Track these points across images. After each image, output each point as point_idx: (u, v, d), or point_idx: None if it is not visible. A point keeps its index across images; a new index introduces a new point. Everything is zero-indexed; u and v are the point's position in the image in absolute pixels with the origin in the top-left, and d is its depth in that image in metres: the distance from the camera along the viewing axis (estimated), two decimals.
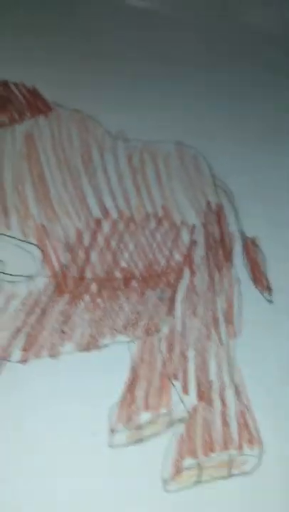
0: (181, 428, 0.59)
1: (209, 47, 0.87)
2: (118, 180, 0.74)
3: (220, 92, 0.84)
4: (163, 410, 0.59)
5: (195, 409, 0.60)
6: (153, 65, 0.84)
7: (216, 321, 0.65)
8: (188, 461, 0.57)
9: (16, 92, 0.78)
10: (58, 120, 0.77)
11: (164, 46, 0.86)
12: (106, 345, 0.61)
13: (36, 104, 0.77)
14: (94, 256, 0.67)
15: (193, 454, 0.57)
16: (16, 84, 0.78)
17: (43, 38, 0.82)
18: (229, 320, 0.65)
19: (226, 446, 0.58)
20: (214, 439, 0.59)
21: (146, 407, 0.59)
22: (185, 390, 0.60)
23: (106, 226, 0.70)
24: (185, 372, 0.61)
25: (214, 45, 0.87)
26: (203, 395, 0.60)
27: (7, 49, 0.81)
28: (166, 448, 0.57)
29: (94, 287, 0.65)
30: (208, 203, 0.74)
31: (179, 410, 0.59)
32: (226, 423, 0.59)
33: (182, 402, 0.60)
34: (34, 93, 0.78)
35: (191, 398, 0.60)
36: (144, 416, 0.58)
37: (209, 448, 0.58)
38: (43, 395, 0.57)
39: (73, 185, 0.72)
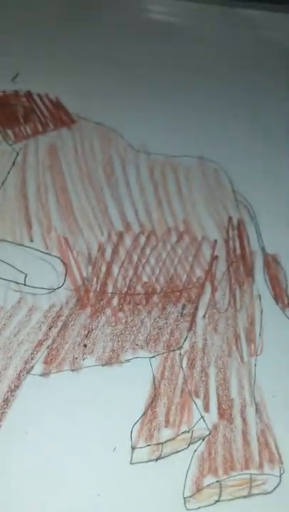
0: (201, 446, 0.58)
1: (231, 61, 0.87)
2: (140, 193, 0.74)
3: (242, 107, 0.84)
4: (184, 427, 0.59)
5: (216, 427, 0.60)
6: (176, 79, 0.84)
7: (237, 338, 0.65)
8: (209, 480, 0.57)
9: (40, 103, 0.79)
10: (80, 132, 0.77)
11: (187, 59, 0.87)
12: (127, 360, 0.61)
13: (59, 116, 0.78)
14: (116, 270, 0.67)
15: (214, 472, 0.57)
16: (39, 96, 0.79)
17: (66, 49, 0.83)
18: (250, 337, 0.65)
19: (246, 465, 0.58)
20: (235, 457, 0.58)
21: (167, 424, 0.59)
22: (206, 407, 0.60)
23: (128, 239, 0.70)
24: (206, 389, 0.61)
25: (236, 59, 0.88)
26: (224, 413, 0.60)
27: (31, 59, 0.82)
28: (187, 465, 0.57)
29: (115, 301, 0.65)
30: (230, 218, 0.74)
31: (200, 428, 0.59)
32: (246, 442, 0.59)
33: (203, 419, 0.59)
34: (57, 105, 0.79)
35: (212, 416, 0.60)
36: (165, 433, 0.58)
37: (230, 466, 0.58)
38: (63, 409, 0.57)
39: (96, 197, 0.73)
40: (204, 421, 0.60)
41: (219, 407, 0.61)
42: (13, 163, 0.72)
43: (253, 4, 0.93)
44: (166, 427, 0.59)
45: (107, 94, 0.81)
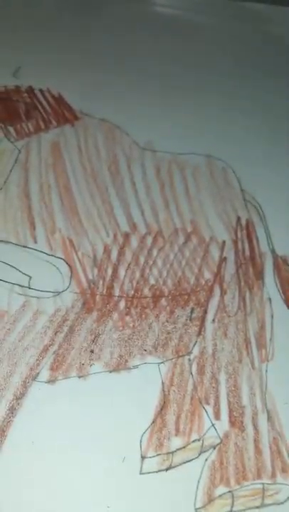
0: (213, 455, 0.57)
1: (238, 56, 0.86)
2: (146, 192, 0.73)
3: (250, 104, 0.83)
4: (194, 436, 0.58)
5: (227, 436, 0.58)
6: (182, 75, 0.83)
7: (247, 343, 0.63)
8: (220, 490, 0.56)
9: (42, 99, 0.77)
10: (84, 129, 0.76)
11: (193, 55, 0.85)
12: (136, 367, 0.60)
13: (62, 112, 0.76)
14: (122, 272, 0.66)
15: (225, 482, 0.56)
16: (41, 91, 0.77)
17: (69, 44, 0.81)
18: (261, 342, 0.64)
19: (259, 474, 0.57)
20: (247, 467, 0.57)
21: (177, 433, 0.57)
22: (217, 415, 0.59)
23: (134, 241, 0.68)
24: (217, 396, 0.60)
25: (243, 55, 0.86)
26: (236, 421, 0.59)
27: (32, 54, 0.80)
28: (198, 475, 0.56)
29: (122, 305, 0.64)
30: (238, 219, 0.73)
31: (211, 436, 0.58)
32: (258, 450, 0.58)
33: (214, 427, 0.58)
34: (60, 100, 0.77)
35: (223, 424, 0.59)
36: (175, 442, 0.57)
37: (242, 476, 0.57)
38: (70, 417, 0.56)
39: (100, 197, 0.71)
40: (215, 429, 0.58)
41: (230, 415, 0.60)
42: (16, 162, 0.70)
43: None
44: (176, 435, 0.57)
45: (110, 89, 0.80)
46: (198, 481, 0.56)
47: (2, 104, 0.74)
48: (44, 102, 0.77)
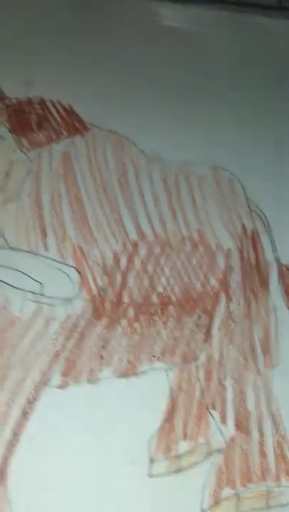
0: (219, 458, 0.59)
1: (243, 67, 0.87)
2: (154, 202, 0.74)
3: (255, 115, 0.84)
4: (201, 440, 0.59)
5: (233, 440, 0.60)
6: (188, 86, 0.84)
7: (253, 349, 0.65)
8: (226, 492, 0.57)
9: (53, 110, 0.79)
10: (93, 140, 0.77)
11: (199, 66, 0.86)
12: (144, 372, 0.61)
13: (73, 124, 0.78)
14: (131, 280, 0.67)
15: (231, 484, 0.58)
16: (52, 103, 0.79)
17: (79, 57, 0.83)
18: (266, 349, 0.65)
19: (263, 477, 0.59)
20: (252, 470, 0.59)
21: (185, 437, 0.59)
22: (223, 419, 0.61)
23: (142, 249, 0.70)
24: (223, 401, 0.62)
25: (248, 66, 0.88)
26: (241, 425, 0.61)
27: (43, 66, 0.82)
28: (205, 478, 0.57)
29: (131, 312, 0.65)
30: (244, 227, 0.75)
31: (217, 440, 0.59)
32: (263, 454, 0.60)
33: (220, 432, 0.60)
34: (70, 112, 0.79)
35: (229, 428, 0.60)
36: (183, 445, 0.59)
37: (247, 479, 0.58)
38: (81, 421, 0.57)
39: (110, 206, 0.73)
40: (221, 433, 0.60)
41: (236, 419, 0.61)
42: (28, 172, 0.72)
43: (262, 11, 0.93)
44: (183, 439, 0.59)
45: (119, 101, 0.81)
46: (205, 484, 0.58)
47: (15, 115, 0.76)
48: (55, 114, 0.79)
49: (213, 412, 0.61)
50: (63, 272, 0.67)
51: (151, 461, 0.57)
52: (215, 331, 0.66)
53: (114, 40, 0.86)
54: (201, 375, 0.63)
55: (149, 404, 0.60)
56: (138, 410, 0.59)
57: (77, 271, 0.67)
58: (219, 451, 0.59)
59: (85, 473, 0.56)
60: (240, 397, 0.62)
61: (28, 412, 0.57)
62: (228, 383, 0.63)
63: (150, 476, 0.57)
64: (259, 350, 0.65)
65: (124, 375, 0.61)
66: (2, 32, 0.80)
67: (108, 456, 0.57)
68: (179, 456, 0.58)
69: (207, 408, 0.61)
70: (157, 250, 0.71)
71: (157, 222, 0.73)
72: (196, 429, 0.60)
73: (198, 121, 0.83)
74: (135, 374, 0.62)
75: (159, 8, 0.89)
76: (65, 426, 0.57)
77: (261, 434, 0.61)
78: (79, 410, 0.58)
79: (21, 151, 0.74)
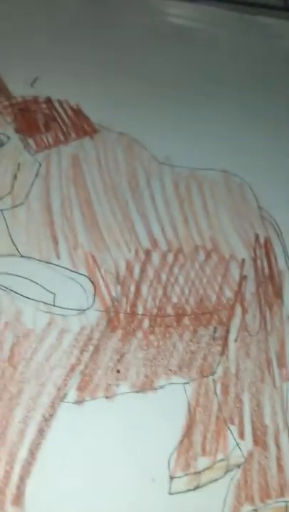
0: (237, 474, 0.58)
1: (254, 70, 0.86)
2: (165, 208, 0.73)
3: (265, 118, 0.83)
4: (220, 456, 0.58)
5: (251, 455, 0.59)
6: (199, 88, 0.82)
7: (269, 362, 0.64)
8: (246, 508, 0.57)
9: (60, 110, 0.76)
10: (103, 143, 0.75)
11: (209, 68, 0.85)
12: (162, 387, 0.60)
13: (81, 125, 0.75)
14: (145, 289, 0.66)
15: (250, 500, 0.57)
16: (59, 102, 0.76)
17: (87, 55, 0.80)
18: (282, 362, 0.65)
19: (282, 492, 0.58)
20: (270, 485, 0.58)
21: (204, 453, 0.58)
22: (241, 434, 0.60)
23: (155, 258, 0.68)
24: (241, 416, 0.61)
25: (259, 69, 0.86)
26: (259, 440, 0.60)
27: (50, 64, 0.78)
28: (225, 494, 0.56)
29: (146, 324, 0.64)
30: (257, 236, 0.73)
31: (236, 456, 0.59)
32: (281, 468, 0.59)
33: (239, 447, 0.59)
34: (79, 112, 0.76)
35: (247, 443, 0.60)
36: (202, 461, 0.58)
37: (266, 494, 0.58)
38: (99, 439, 0.56)
39: (121, 212, 0.71)
40: (240, 448, 0.59)
41: (254, 434, 0.60)
42: (37, 175, 0.69)
43: (273, 13, 0.91)
44: (202, 455, 0.58)
45: (128, 102, 0.79)
46: (225, 500, 0.57)
47: (21, 115, 0.73)
48: (63, 114, 0.76)
49: (231, 427, 0.60)
50: (76, 281, 0.64)
51: (171, 478, 0.56)
52: (231, 344, 0.65)
53: (124, 39, 0.84)
54: (218, 389, 0.62)
55: (167, 419, 0.59)
56: (157, 426, 0.58)
57: (90, 280, 0.65)
58: (238, 466, 0.58)
59: (105, 491, 0.54)
60: (258, 411, 0.62)
61: (44, 430, 0.55)
62: (245, 397, 0.62)
63: (170, 493, 0.56)
64: (275, 363, 0.65)
65: (142, 389, 0.60)
66: (7, 28, 0.77)
67: (128, 474, 0.55)
68: (198, 473, 0.57)
69: (225, 423, 0.60)
70: (170, 259, 0.69)
71: (169, 229, 0.71)
72: (215, 444, 0.59)
73: (209, 125, 0.81)
74: (152, 389, 0.60)
75: (169, 8, 0.87)
76: (82, 444, 0.56)
77: (278, 448, 0.60)
78: (96, 427, 0.57)
79: (29, 152, 0.71)
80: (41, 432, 0.55)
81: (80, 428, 0.56)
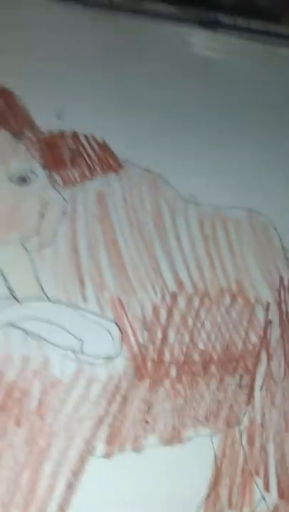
0: None
1: (280, 105, 0.84)
2: (191, 247, 0.71)
3: None
4: (246, 510, 0.57)
5: (276, 508, 0.58)
6: (223, 124, 0.81)
7: None
8: None
9: (86, 145, 0.74)
10: (129, 179, 0.73)
11: (233, 103, 0.82)
12: (189, 439, 0.59)
13: (107, 160, 0.73)
14: (171, 335, 0.65)
15: None
16: (85, 137, 0.74)
17: (113, 90, 0.78)
18: None
19: None
20: None
21: (230, 506, 0.57)
22: (266, 487, 0.59)
23: (181, 301, 0.67)
24: (266, 467, 0.60)
25: (285, 103, 0.84)
26: (284, 493, 0.59)
27: (75, 98, 0.76)
28: None
29: (173, 372, 0.62)
30: (281, 279, 0.72)
31: (262, 510, 0.58)
32: None
33: (264, 500, 0.58)
34: (104, 147, 0.74)
35: (273, 496, 0.59)
36: None
37: None
38: (128, 493, 0.55)
39: (147, 252, 0.69)
40: (265, 502, 0.58)
41: (278, 486, 0.60)
42: (64, 213, 0.67)
43: None
44: (229, 508, 0.57)
45: (152, 137, 0.77)
46: None
47: (48, 150, 0.71)
48: (89, 149, 0.74)
49: (257, 479, 0.59)
50: (104, 327, 0.63)
51: None
52: (257, 392, 0.64)
53: (149, 73, 0.81)
54: (244, 439, 0.61)
55: (194, 472, 0.58)
56: (184, 479, 0.57)
57: (118, 326, 0.63)
58: None
59: None
60: (282, 462, 0.61)
61: (73, 485, 0.54)
62: (270, 448, 0.61)
63: None
64: None
65: (170, 442, 0.59)
66: (32, 61, 0.74)
67: None
68: None
69: (251, 475, 0.59)
70: (196, 303, 0.68)
71: (195, 271, 0.70)
72: (241, 497, 0.58)
73: (231, 161, 0.80)
74: (180, 440, 0.59)
75: (194, 37, 0.84)
76: (111, 499, 0.54)
77: None
78: (125, 481, 0.56)
79: (55, 189, 0.69)
80: (70, 487, 0.54)
81: (109, 483, 0.55)
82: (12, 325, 0.58)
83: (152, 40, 0.83)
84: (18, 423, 0.55)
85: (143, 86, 0.79)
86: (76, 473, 0.55)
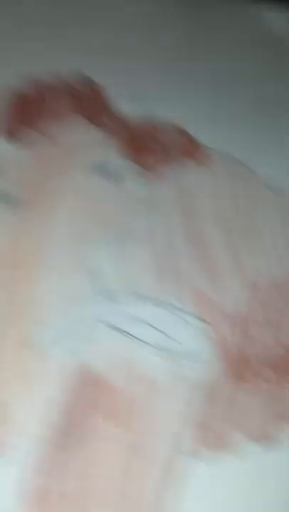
0: None
1: None
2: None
3: None
4: None
5: None
6: None
7: None
8: None
9: (168, 134, 0.71)
10: (213, 170, 0.70)
11: None
12: (280, 439, 0.57)
13: (191, 149, 0.71)
14: (256, 331, 0.62)
15: None
16: (168, 126, 0.72)
17: (197, 76, 0.74)
18: None
19: None
20: None
21: None
22: None
23: (263, 295, 0.64)
24: None
25: None
26: None
27: (155, 82, 0.73)
28: None
29: (260, 369, 0.60)
30: None
31: None
32: None
33: None
34: (188, 136, 0.72)
35: None
36: None
37: None
38: (226, 494, 0.54)
39: (230, 246, 0.66)
40: None
41: None
42: (151, 208, 0.66)
43: None
44: None
45: (238, 124, 0.74)
46: None
47: (130, 139, 0.69)
48: (171, 138, 0.71)
49: None
50: (190, 323, 0.61)
51: None
52: None
53: (221, 53, 0.77)
54: None
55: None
56: (278, 479, 0.56)
57: (205, 322, 0.62)
58: None
59: None
60: None
61: (166, 487, 0.54)
62: None
63: None
64: None
65: (260, 441, 0.57)
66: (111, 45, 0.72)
67: None
68: None
69: None
70: (278, 296, 0.65)
71: (276, 265, 0.67)
72: None
73: None
74: (270, 440, 0.57)
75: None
76: (206, 502, 0.54)
77: None
78: (222, 483, 0.55)
79: (144, 185, 0.67)
80: (164, 490, 0.54)
81: (200, 483, 0.55)
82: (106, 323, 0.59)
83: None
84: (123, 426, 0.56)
85: (232, 74, 0.75)
86: (167, 473, 0.55)
